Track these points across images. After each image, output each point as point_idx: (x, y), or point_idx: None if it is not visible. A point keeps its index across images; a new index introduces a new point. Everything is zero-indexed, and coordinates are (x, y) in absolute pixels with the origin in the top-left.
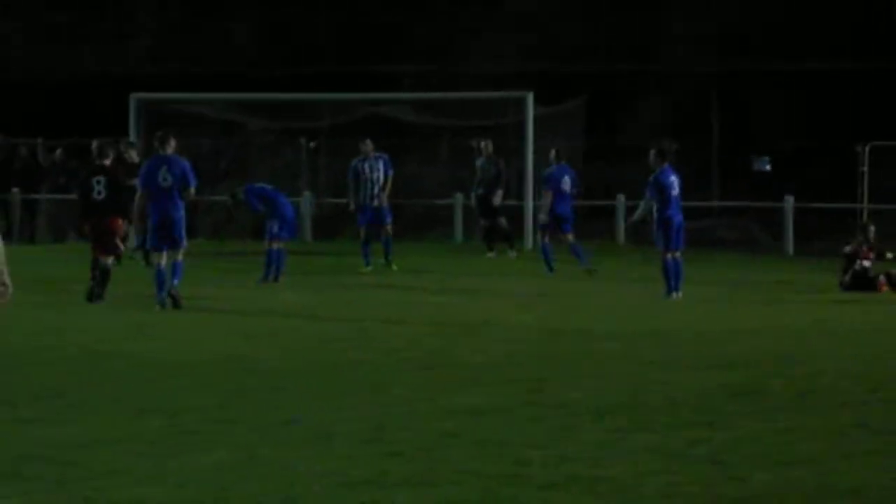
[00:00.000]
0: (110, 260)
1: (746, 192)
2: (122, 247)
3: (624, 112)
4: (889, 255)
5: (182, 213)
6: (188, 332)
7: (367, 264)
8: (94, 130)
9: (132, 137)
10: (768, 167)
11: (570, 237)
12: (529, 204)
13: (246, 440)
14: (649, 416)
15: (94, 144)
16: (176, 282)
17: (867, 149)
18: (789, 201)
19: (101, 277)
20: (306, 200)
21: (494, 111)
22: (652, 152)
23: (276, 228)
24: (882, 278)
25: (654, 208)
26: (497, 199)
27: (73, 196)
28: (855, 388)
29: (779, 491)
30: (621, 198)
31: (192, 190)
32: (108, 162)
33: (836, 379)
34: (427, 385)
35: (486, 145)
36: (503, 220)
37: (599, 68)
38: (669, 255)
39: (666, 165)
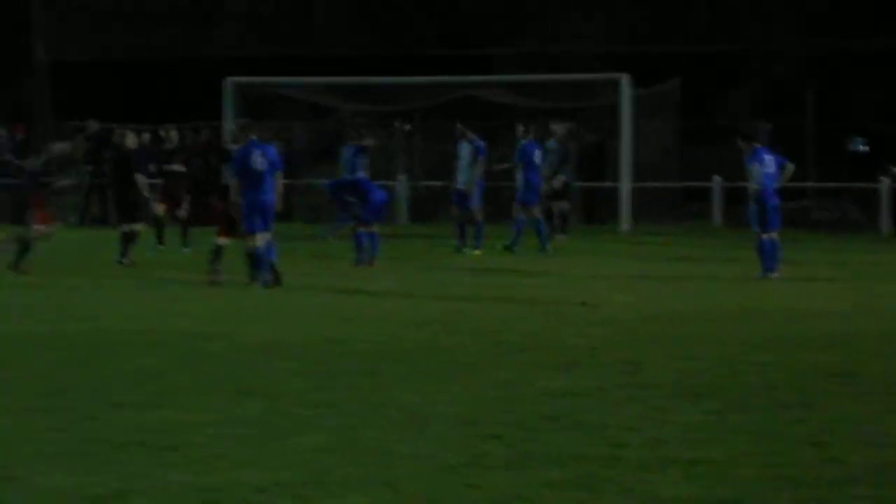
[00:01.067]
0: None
1: (842, 173)
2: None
3: (719, 93)
4: None
5: (273, 196)
6: (285, 314)
7: (478, 247)
8: (186, 114)
9: (226, 121)
10: (864, 148)
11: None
12: (626, 186)
13: (344, 423)
14: (746, 397)
15: (228, 128)
16: (273, 259)
17: None
18: (885, 182)
19: (249, 260)
20: (401, 184)
21: (589, 93)
22: (738, 141)
23: (363, 213)
24: None
25: (750, 189)
26: (557, 182)
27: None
28: None
29: (877, 472)
30: (717, 179)
31: (281, 174)
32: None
33: None
34: (524, 367)
35: (558, 128)
36: (565, 204)
37: (695, 49)
38: (766, 236)
39: (756, 147)
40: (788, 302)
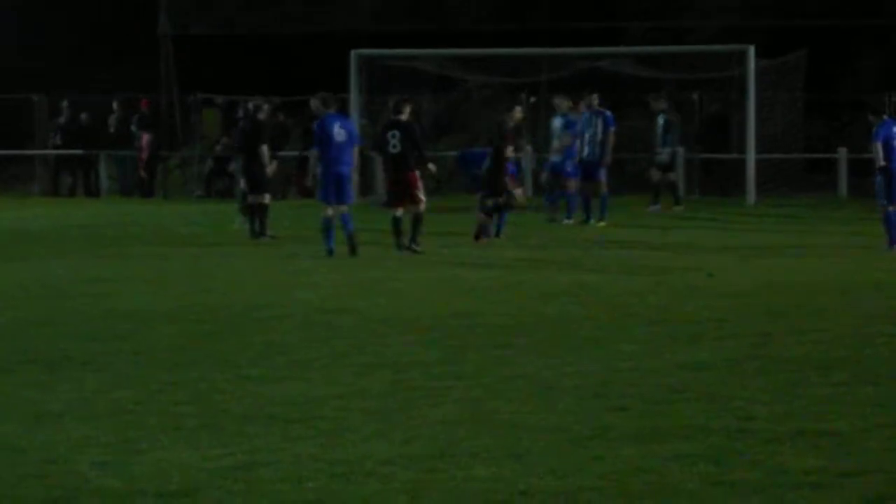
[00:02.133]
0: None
1: None
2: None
3: (844, 65)
4: None
5: (349, 169)
6: (412, 288)
7: (603, 219)
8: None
9: (352, 94)
10: None
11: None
12: (752, 157)
13: (471, 395)
14: (874, 369)
15: (392, 100)
16: (351, 227)
17: None
18: None
19: (412, 226)
20: (527, 156)
21: (715, 64)
22: (869, 115)
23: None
24: None
25: (876, 161)
26: (664, 156)
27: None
28: None
29: None
30: (842, 151)
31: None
32: (403, 117)
33: None
34: (652, 340)
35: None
36: (672, 175)
37: (821, 21)
38: (892, 208)
39: (885, 119)
40: None
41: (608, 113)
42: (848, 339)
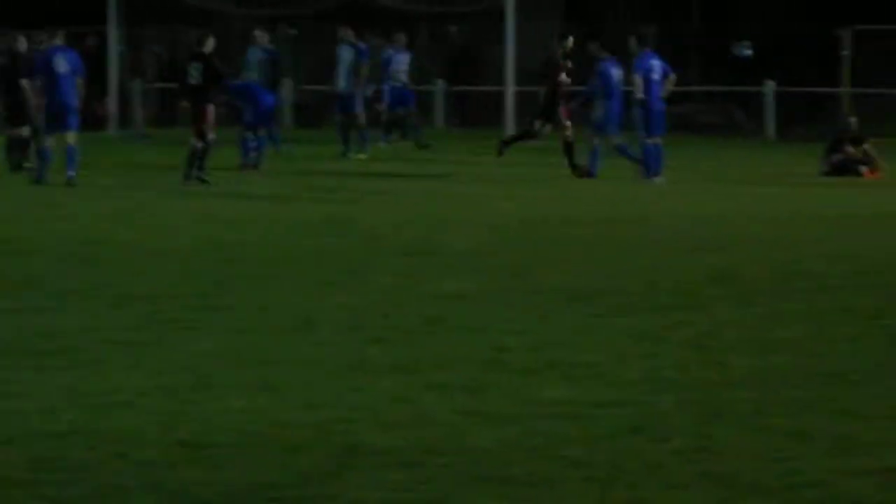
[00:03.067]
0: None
1: (727, 76)
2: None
3: None
4: (868, 146)
5: (74, 100)
6: (170, 220)
7: (363, 151)
8: (67, 20)
9: (110, 25)
10: (749, 52)
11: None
12: (510, 89)
13: (229, 328)
14: (629, 300)
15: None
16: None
17: (850, 33)
18: (770, 86)
19: (199, 156)
20: (287, 88)
21: None
22: (632, 38)
23: (250, 117)
24: (862, 168)
25: (635, 94)
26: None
27: None
28: (835, 273)
29: (759, 375)
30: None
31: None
32: (205, 49)
33: (816, 264)
34: (409, 272)
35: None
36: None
37: None
38: (650, 141)
39: (646, 51)
40: (672, 206)
41: (361, 44)
42: (603, 270)
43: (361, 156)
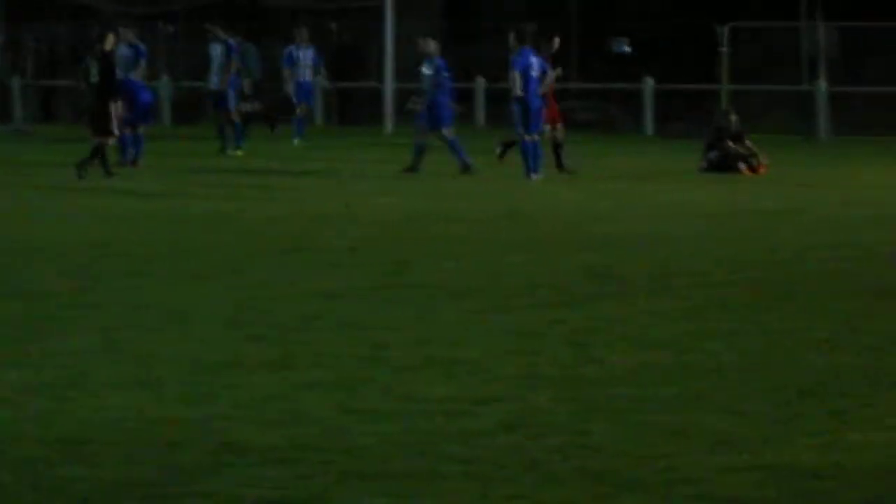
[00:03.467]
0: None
1: (606, 73)
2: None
3: None
4: (748, 142)
5: None
6: (47, 216)
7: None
8: None
9: None
10: (627, 48)
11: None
12: (389, 86)
13: (104, 324)
14: (508, 297)
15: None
16: None
17: (727, 29)
18: (649, 83)
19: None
20: (164, 85)
21: None
22: (511, 35)
23: (129, 114)
24: (741, 164)
25: (513, 91)
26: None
27: None
28: (713, 270)
29: (637, 372)
30: (481, 81)
31: None
32: (106, 47)
33: (694, 260)
34: (286, 268)
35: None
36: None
37: None
38: (529, 138)
39: (524, 48)
40: (551, 203)
41: (231, 41)
42: (482, 267)
43: (238, 152)
